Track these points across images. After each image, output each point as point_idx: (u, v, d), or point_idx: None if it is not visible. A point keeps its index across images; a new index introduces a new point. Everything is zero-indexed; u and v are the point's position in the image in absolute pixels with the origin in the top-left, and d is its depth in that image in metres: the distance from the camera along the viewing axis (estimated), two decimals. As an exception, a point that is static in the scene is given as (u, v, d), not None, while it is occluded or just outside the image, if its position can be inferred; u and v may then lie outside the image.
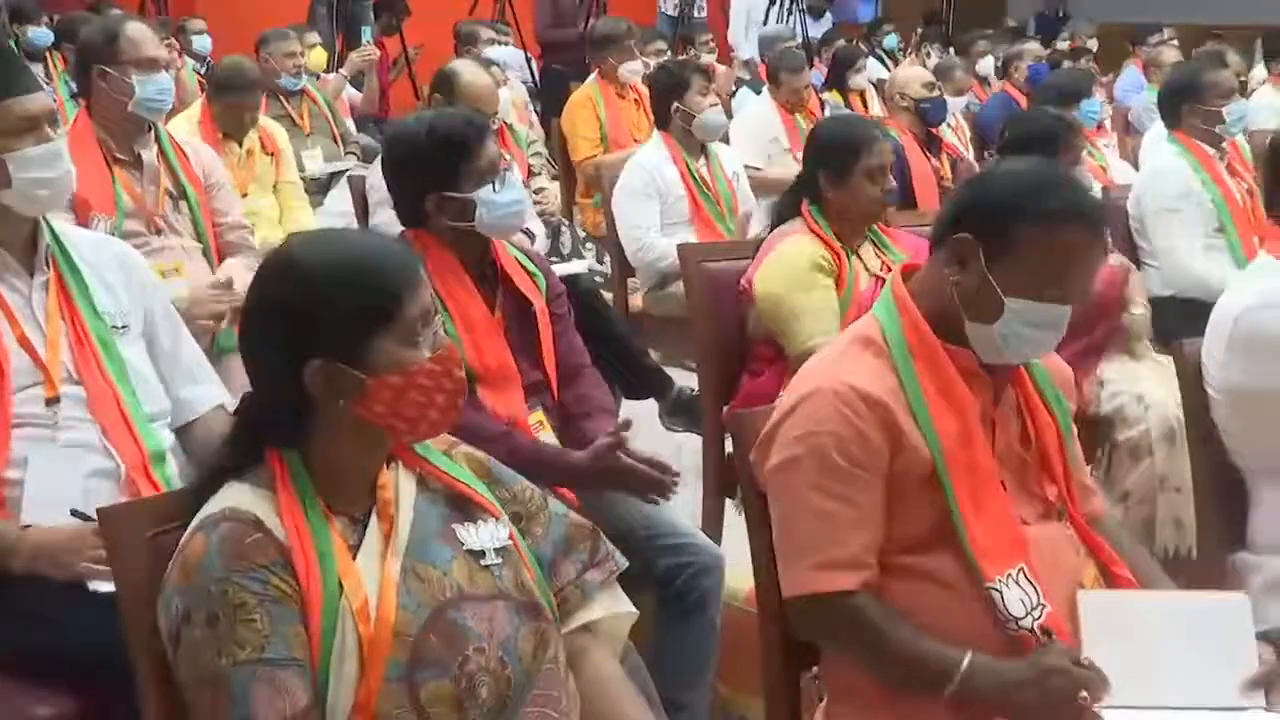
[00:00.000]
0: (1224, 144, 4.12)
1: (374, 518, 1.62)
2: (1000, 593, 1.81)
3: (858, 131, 3.24)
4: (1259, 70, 8.24)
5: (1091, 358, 3.39)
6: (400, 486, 1.66)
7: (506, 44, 8.24)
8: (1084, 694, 1.73)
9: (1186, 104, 4.12)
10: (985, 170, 2.14)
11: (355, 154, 5.84)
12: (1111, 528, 2.06)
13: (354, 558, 1.58)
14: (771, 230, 3.30)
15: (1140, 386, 3.32)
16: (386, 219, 3.91)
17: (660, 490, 2.48)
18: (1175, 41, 8.90)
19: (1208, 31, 9.57)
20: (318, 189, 5.28)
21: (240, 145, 4.73)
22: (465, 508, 1.68)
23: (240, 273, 3.27)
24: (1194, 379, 2.39)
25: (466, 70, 4.35)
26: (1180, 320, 3.21)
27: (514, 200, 2.63)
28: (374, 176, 4.22)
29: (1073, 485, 1.98)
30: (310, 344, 1.56)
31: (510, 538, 1.68)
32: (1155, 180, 3.98)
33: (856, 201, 3.15)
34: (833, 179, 3.15)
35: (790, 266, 3.10)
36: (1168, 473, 3.20)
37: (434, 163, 2.60)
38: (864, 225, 3.21)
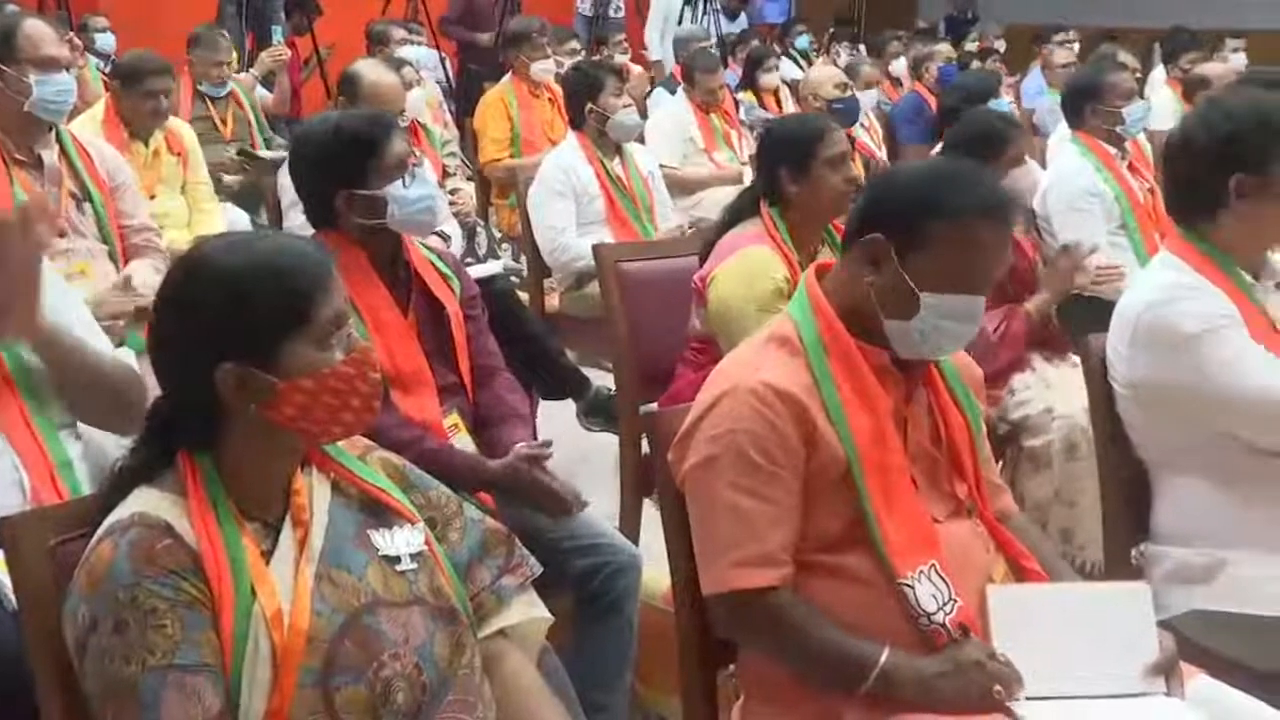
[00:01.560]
0: (1126, 144, 4.22)
1: (288, 523, 1.61)
2: (912, 589, 1.83)
3: (812, 124, 3.23)
4: (1158, 72, 8.44)
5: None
6: (314, 491, 1.64)
7: (420, 44, 8.18)
8: (998, 688, 1.76)
9: (1088, 105, 4.21)
10: (891, 169, 2.17)
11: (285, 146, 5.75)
12: (1020, 524, 2.09)
13: (267, 563, 1.57)
14: (723, 229, 3.22)
15: (1050, 397, 3.36)
16: (299, 222, 3.89)
17: (564, 511, 2.49)
18: (1075, 44, 9.07)
19: (1108, 33, 9.78)
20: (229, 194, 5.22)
21: (146, 145, 4.63)
22: (380, 513, 1.67)
23: (143, 272, 3.22)
24: (1099, 373, 2.44)
25: (370, 70, 4.33)
26: (1086, 317, 3.27)
27: (425, 195, 2.62)
28: (285, 179, 4.18)
29: (983, 483, 2.02)
30: (221, 347, 1.54)
31: (426, 543, 1.67)
32: (1060, 180, 4.06)
33: (821, 193, 3.08)
34: (794, 174, 3.09)
35: (752, 286, 3.00)
36: (1063, 486, 3.25)
37: (341, 161, 2.58)
38: (827, 220, 3.14)
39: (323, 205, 2.61)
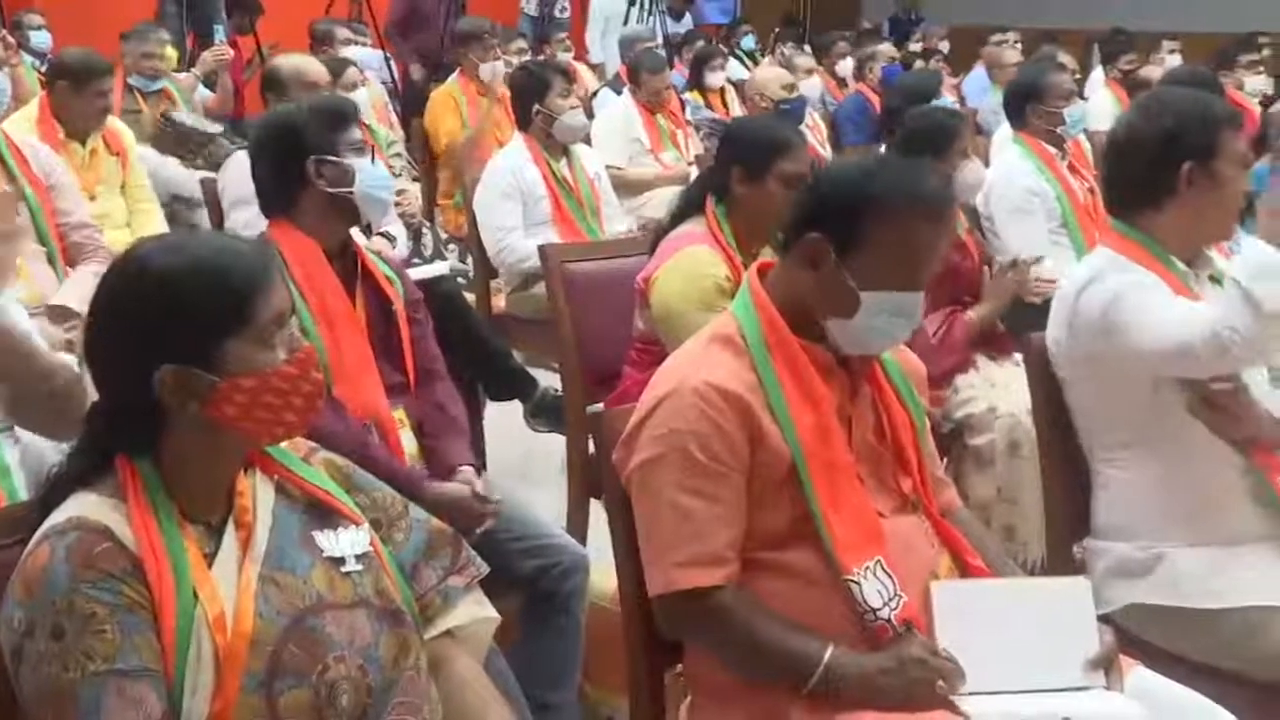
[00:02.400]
0: (1066, 144, 4.27)
1: (231, 525, 1.59)
2: (859, 585, 1.85)
3: (781, 133, 3.13)
4: (1098, 73, 8.55)
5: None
6: (258, 493, 1.63)
7: (365, 44, 8.13)
8: (942, 683, 1.78)
9: (1030, 105, 4.26)
10: (825, 169, 2.17)
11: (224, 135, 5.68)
12: (964, 519, 2.11)
13: (210, 566, 1.55)
14: (671, 220, 3.20)
15: (994, 396, 3.38)
16: (243, 221, 3.86)
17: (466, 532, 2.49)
18: (1018, 44, 9.17)
19: (1048, 34, 9.89)
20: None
21: (83, 145, 4.57)
22: (325, 514, 1.66)
23: (80, 290, 3.18)
24: (1042, 369, 2.47)
25: (285, 60, 4.32)
26: (1029, 315, 3.31)
27: (386, 176, 2.73)
28: (226, 178, 4.15)
29: (927, 478, 2.03)
30: (161, 349, 1.53)
31: (371, 544, 1.66)
32: (1003, 180, 4.10)
33: (765, 203, 3.00)
34: (746, 176, 3.03)
35: (694, 286, 2.98)
36: (1006, 484, 3.28)
37: (312, 131, 2.66)
38: (769, 228, 2.94)
39: (289, 176, 2.64)
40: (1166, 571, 2.28)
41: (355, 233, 2.81)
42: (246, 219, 3.86)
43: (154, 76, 5.72)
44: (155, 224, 4.54)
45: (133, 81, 5.68)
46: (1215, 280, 2.41)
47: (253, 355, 1.55)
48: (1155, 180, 2.34)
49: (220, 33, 7.57)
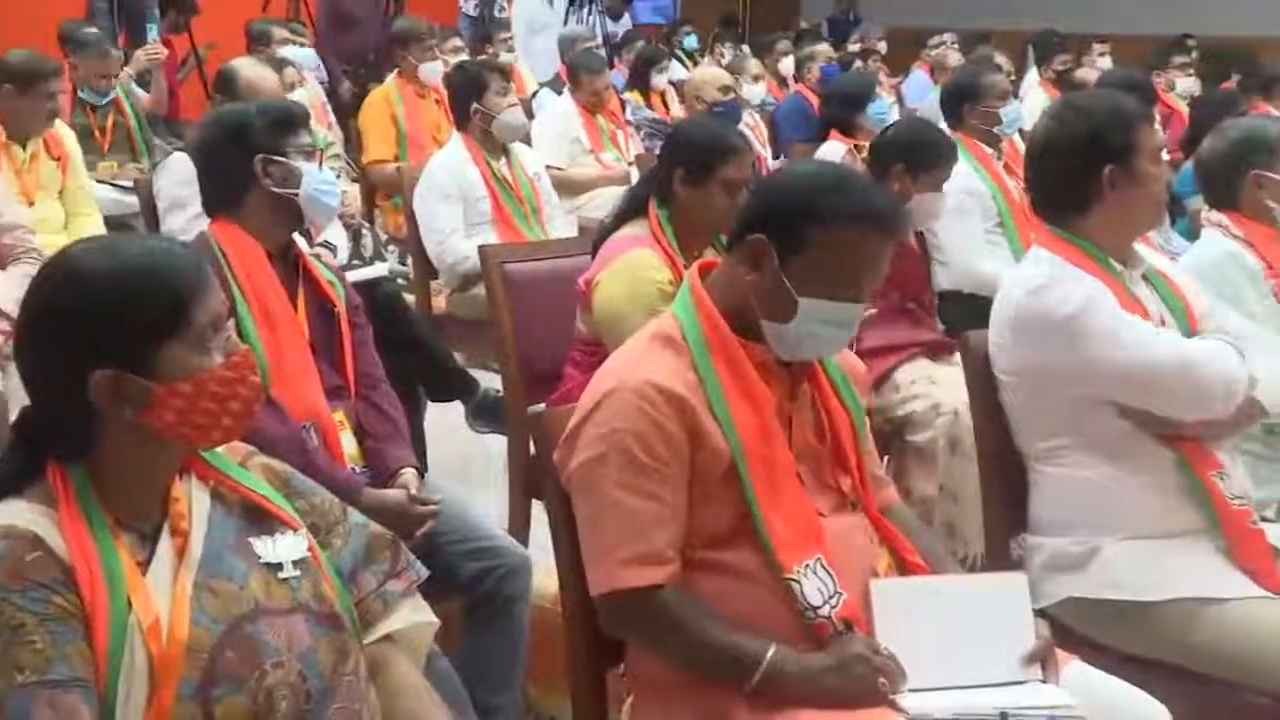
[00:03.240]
0: (1001, 144, 4.33)
1: (166, 532, 1.57)
2: (799, 583, 1.86)
3: (726, 138, 3.11)
4: (1032, 74, 8.66)
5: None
6: (193, 499, 1.61)
7: (303, 44, 8.05)
8: (883, 681, 1.79)
9: (966, 105, 4.31)
10: (777, 172, 2.19)
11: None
12: (903, 516, 2.13)
13: (144, 574, 1.53)
14: (613, 220, 3.20)
15: (935, 394, 3.40)
16: (178, 225, 3.82)
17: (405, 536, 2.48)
18: (955, 45, 9.28)
19: (983, 35, 10.00)
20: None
21: (24, 148, 4.49)
22: (262, 520, 1.64)
23: (10, 291, 3.12)
24: (981, 368, 2.49)
25: (247, 67, 4.28)
26: (967, 314, 3.34)
27: (332, 181, 2.71)
28: (162, 181, 4.10)
29: (866, 477, 2.05)
30: (95, 354, 1.50)
31: (309, 549, 1.65)
32: (941, 179, 4.13)
33: (706, 208, 3.01)
34: (688, 179, 3.03)
35: (636, 289, 2.98)
36: (947, 480, 3.30)
37: (261, 131, 2.65)
38: (710, 232, 3.06)
39: (235, 174, 2.62)
40: (1102, 565, 2.31)
41: (298, 237, 2.79)
42: (182, 223, 3.82)
43: (107, 91, 5.60)
44: (94, 230, 4.47)
45: (84, 95, 5.55)
46: (1149, 279, 2.45)
47: (189, 359, 1.53)
48: (1079, 186, 2.37)
49: (153, 31, 7.46)
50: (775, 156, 6.62)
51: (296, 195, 2.63)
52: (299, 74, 5.95)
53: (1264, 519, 2.44)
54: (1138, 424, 2.32)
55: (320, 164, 2.70)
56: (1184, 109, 6.77)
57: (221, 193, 2.66)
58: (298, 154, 2.65)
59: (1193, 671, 2.23)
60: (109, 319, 1.51)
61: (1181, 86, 7.48)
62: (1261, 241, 2.91)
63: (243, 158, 2.62)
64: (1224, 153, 2.97)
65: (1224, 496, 2.30)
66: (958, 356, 3.20)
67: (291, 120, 2.70)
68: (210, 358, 1.55)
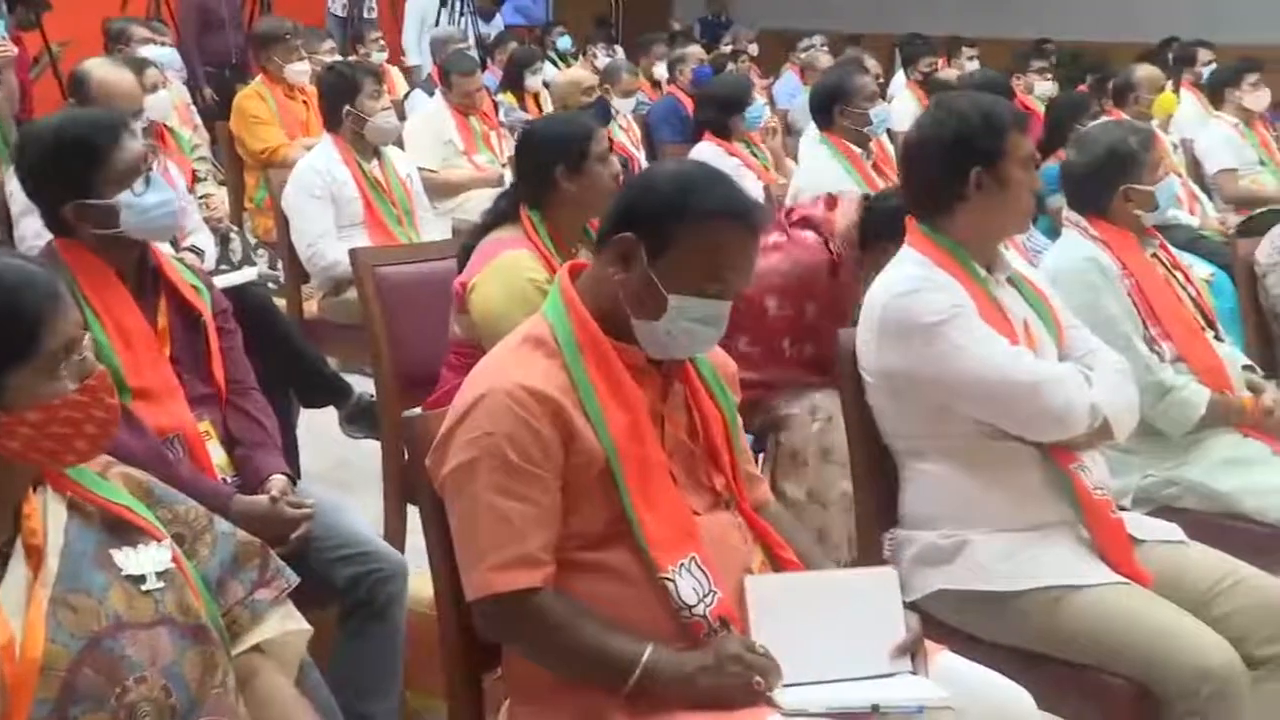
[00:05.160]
0: (871, 144, 4.41)
1: (18, 548, 1.53)
2: (674, 582, 1.86)
3: (579, 123, 3.26)
4: (900, 76, 8.84)
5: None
6: (48, 512, 1.56)
7: (165, 43, 7.85)
8: (758, 679, 1.81)
9: (836, 107, 4.38)
10: (645, 171, 2.20)
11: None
12: (776, 513, 2.15)
13: None
14: (483, 230, 3.19)
15: (815, 396, 3.44)
16: (33, 230, 3.69)
17: (279, 542, 2.43)
18: (825, 47, 9.42)
19: (851, 38, 10.18)
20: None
21: None
22: (123, 531, 1.60)
23: None
24: (850, 365, 2.53)
25: (99, 68, 4.15)
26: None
27: (163, 201, 2.51)
28: (14, 184, 3.95)
29: (739, 475, 2.06)
30: None
31: (173, 559, 1.61)
32: (811, 178, 4.21)
33: (595, 187, 3.07)
34: (569, 171, 3.07)
35: (511, 287, 2.98)
36: (816, 486, 3.34)
37: (66, 170, 2.46)
38: (590, 217, 3.08)
39: (52, 216, 2.49)
40: (970, 557, 2.36)
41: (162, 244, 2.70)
42: (37, 228, 3.69)
43: None
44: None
45: None
46: (1013, 283, 2.51)
47: (39, 386, 1.49)
48: (945, 185, 2.42)
49: (1, 27, 7.21)
50: (649, 158, 6.65)
51: (121, 233, 2.47)
52: (162, 74, 5.79)
53: (1121, 508, 2.52)
54: (995, 429, 2.38)
55: (146, 179, 2.48)
56: (1042, 111, 6.96)
57: (50, 222, 2.52)
58: (111, 185, 2.44)
59: (1057, 658, 2.29)
60: None
61: (1040, 89, 7.69)
62: (1118, 244, 3.03)
63: (55, 199, 2.46)
64: (1092, 166, 3.08)
65: (1086, 488, 2.36)
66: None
67: (94, 146, 2.45)
68: (62, 384, 1.51)
